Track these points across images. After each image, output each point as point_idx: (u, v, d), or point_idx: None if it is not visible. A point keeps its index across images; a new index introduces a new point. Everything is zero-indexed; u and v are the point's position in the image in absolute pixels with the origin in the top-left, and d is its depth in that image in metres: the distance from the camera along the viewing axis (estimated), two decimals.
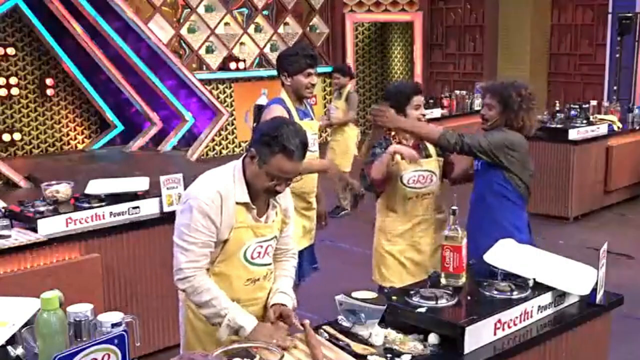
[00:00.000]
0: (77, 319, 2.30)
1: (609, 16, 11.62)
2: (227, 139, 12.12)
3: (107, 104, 11.48)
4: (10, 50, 10.58)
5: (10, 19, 10.58)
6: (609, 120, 8.51)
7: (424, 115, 4.00)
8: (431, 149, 4.00)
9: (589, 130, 8.11)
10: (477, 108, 10.37)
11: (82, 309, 2.32)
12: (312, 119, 4.44)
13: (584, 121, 8.34)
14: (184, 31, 11.76)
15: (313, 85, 4.28)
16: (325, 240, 6.34)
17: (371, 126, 4.60)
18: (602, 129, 8.32)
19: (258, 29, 12.67)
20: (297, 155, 2.72)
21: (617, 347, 3.70)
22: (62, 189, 4.55)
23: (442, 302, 2.78)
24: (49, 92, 11.05)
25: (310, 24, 13.40)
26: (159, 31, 11.29)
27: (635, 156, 8.58)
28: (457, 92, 10.84)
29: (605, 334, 3.22)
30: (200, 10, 11.93)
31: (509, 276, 3.01)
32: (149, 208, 4.66)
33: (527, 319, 2.83)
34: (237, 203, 2.78)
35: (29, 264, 4.09)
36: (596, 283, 3.05)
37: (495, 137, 3.78)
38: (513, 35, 12.59)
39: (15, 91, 10.69)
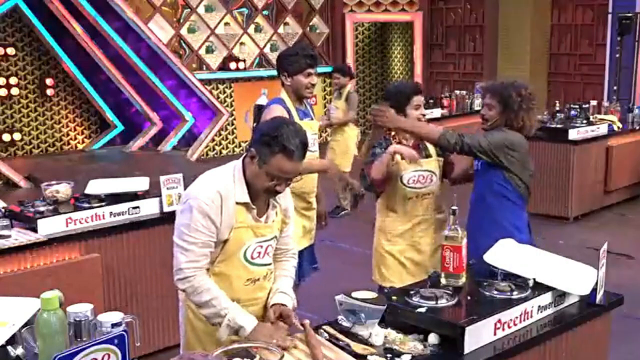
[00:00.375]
0: (77, 319, 2.30)
1: (609, 16, 11.62)
2: (227, 139, 12.12)
3: (107, 104, 11.48)
4: (10, 50, 10.58)
5: (10, 19, 10.58)
6: (609, 120, 8.51)
7: (424, 115, 4.00)
8: (431, 149, 4.00)
9: (589, 130, 8.11)
10: (477, 108, 10.37)
11: (82, 309, 2.32)
12: (312, 119, 4.44)
13: (584, 121, 8.34)
14: (183, 31, 11.76)
15: (313, 85, 4.28)
16: (325, 240, 6.35)
17: (371, 126, 4.60)
18: (602, 129, 8.32)
19: (258, 29, 12.67)
20: (297, 155, 2.72)
21: (617, 347, 3.70)
22: (62, 189, 4.55)
23: (442, 302, 2.78)
24: (49, 92, 11.05)
25: (310, 24, 13.40)
26: (159, 31, 11.28)
27: (635, 156, 8.58)
28: (457, 92, 10.84)
29: (605, 334, 3.23)
30: (200, 10, 11.93)
31: (509, 276, 3.01)
32: (149, 208, 4.65)
33: (527, 319, 2.83)
34: (237, 203, 2.78)
35: (29, 264, 4.09)
36: (596, 283, 3.05)
37: (495, 137, 3.78)
38: (513, 36, 12.59)
39: (15, 91, 10.69)
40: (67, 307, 2.33)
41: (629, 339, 4.72)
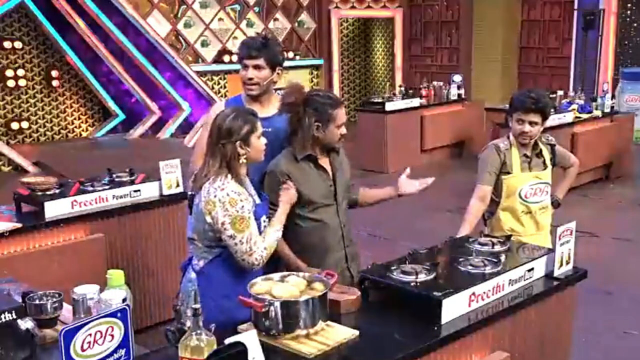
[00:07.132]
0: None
1: (575, 12, 11.63)
2: None
3: (109, 94, 11.38)
4: (18, 44, 10.45)
5: (17, 14, 10.44)
6: (572, 110, 8.52)
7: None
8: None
9: (555, 118, 8.11)
10: (452, 98, 10.51)
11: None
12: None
13: (552, 110, 8.32)
14: (180, 26, 11.67)
15: (250, 79, 3.59)
16: None
17: None
18: (568, 117, 8.34)
19: (250, 24, 12.59)
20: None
21: (584, 315, 3.72)
22: None
23: (422, 277, 2.78)
24: (54, 83, 10.94)
25: (298, 19, 13.32)
26: (157, 26, 11.19)
27: (598, 142, 8.61)
28: (435, 83, 10.83)
29: (572, 305, 3.23)
30: (196, 6, 11.84)
31: (482, 253, 3.03)
32: (149, 191, 4.58)
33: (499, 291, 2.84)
34: None
35: (37, 243, 4.07)
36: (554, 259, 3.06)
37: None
38: (486, 31, 12.59)
39: (22, 82, 10.57)
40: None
41: (593, 308, 4.75)
